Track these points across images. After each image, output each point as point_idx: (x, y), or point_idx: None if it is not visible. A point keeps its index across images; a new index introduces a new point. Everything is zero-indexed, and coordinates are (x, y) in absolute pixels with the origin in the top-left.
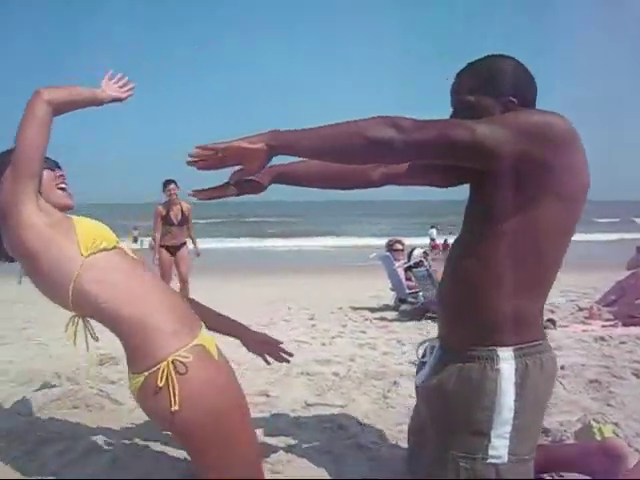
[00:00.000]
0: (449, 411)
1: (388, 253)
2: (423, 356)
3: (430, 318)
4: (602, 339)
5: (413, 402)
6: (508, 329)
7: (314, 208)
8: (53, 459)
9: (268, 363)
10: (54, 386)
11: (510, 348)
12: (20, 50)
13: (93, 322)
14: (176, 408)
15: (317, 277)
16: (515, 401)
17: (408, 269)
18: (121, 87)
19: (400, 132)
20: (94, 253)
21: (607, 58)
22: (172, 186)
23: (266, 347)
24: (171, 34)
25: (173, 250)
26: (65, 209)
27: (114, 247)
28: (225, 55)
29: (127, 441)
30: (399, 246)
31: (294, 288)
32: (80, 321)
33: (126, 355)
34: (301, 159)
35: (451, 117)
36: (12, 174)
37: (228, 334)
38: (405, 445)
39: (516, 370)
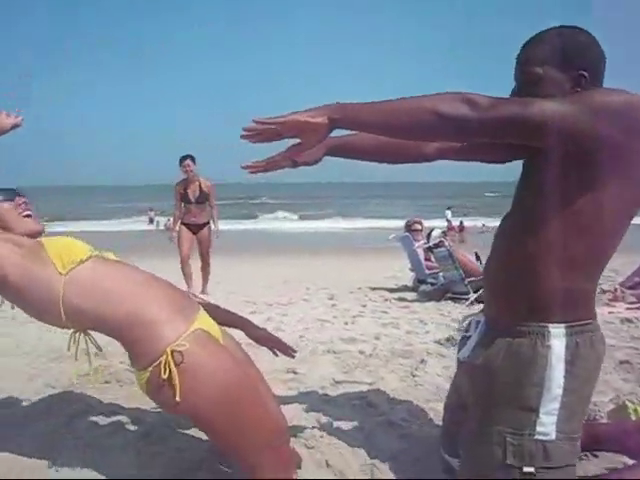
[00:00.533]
0: (496, 386)
1: (407, 233)
2: (467, 330)
3: (450, 299)
4: (629, 321)
5: (442, 381)
6: (560, 306)
7: (329, 190)
8: (87, 432)
9: (276, 355)
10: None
11: (562, 325)
12: (19, 40)
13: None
14: (178, 399)
15: (333, 258)
16: (564, 378)
17: (429, 250)
18: (8, 116)
19: (474, 110)
20: (73, 268)
21: (607, 57)
22: (187, 161)
23: (269, 342)
24: (171, 19)
25: (195, 228)
26: (35, 235)
27: (89, 257)
28: (225, 42)
29: (158, 416)
30: (418, 226)
31: (310, 269)
32: (82, 336)
33: (129, 355)
34: (353, 132)
35: (515, 90)
36: None
37: (231, 327)
38: (436, 423)
39: (567, 347)
